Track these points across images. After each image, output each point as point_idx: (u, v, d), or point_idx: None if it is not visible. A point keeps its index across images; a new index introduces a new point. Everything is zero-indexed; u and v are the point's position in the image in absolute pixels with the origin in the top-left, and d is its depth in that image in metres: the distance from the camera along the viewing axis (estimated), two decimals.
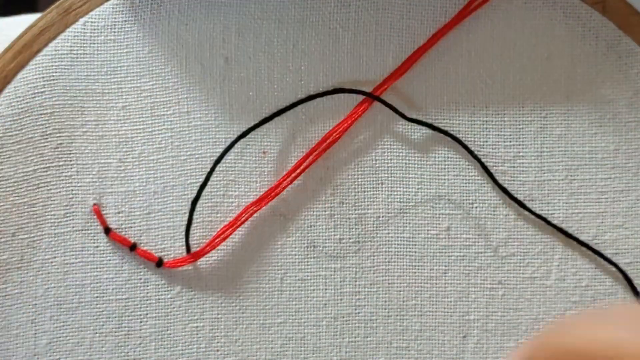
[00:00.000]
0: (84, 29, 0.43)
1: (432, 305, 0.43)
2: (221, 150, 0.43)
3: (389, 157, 0.44)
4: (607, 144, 0.44)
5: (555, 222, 0.44)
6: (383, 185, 0.44)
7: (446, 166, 0.44)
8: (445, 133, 0.43)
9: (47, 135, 0.43)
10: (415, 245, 0.43)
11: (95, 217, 0.43)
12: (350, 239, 0.43)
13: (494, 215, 0.44)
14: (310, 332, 0.43)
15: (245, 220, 0.43)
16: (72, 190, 0.43)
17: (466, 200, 0.44)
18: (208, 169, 0.43)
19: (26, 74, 0.43)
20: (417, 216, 0.44)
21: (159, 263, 0.42)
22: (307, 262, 0.43)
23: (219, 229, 0.43)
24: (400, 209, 0.44)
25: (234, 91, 0.43)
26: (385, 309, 0.43)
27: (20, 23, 0.44)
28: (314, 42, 0.44)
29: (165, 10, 0.43)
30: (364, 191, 0.44)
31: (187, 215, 0.43)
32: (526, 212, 0.44)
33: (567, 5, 0.44)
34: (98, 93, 0.43)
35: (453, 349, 0.43)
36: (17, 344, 0.43)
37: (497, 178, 0.44)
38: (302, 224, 0.43)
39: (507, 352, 0.44)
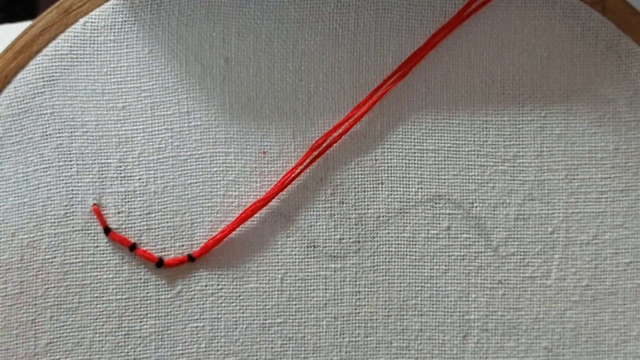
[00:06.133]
0: (84, 29, 0.43)
1: (432, 305, 0.43)
2: (221, 150, 0.43)
3: (389, 157, 0.44)
4: (607, 144, 0.44)
5: (555, 221, 0.44)
6: (383, 185, 0.44)
7: (446, 166, 0.44)
8: None
9: (47, 135, 0.43)
10: (415, 245, 0.43)
11: (95, 217, 0.43)
12: (350, 238, 0.43)
13: (493, 214, 0.44)
14: (311, 332, 0.43)
15: (245, 220, 0.43)
16: (72, 190, 0.43)
17: (466, 199, 0.44)
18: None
19: (26, 74, 0.43)
20: (417, 216, 0.44)
21: (159, 263, 0.42)
22: (307, 262, 0.43)
23: (219, 229, 0.43)
24: (401, 209, 0.44)
25: (234, 91, 0.43)
26: (385, 308, 0.43)
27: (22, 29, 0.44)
28: (314, 42, 0.44)
29: (165, 10, 0.43)
30: (364, 191, 0.44)
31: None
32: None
33: (566, 5, 0.44)
34: (98, 93, 0.43)
35: (453, 349, 0.43)
36: (17, 344, 0.43)
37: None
38: (302, 223, 0.43)
39: (508, 351, 0.44)
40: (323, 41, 0.44)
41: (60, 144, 0.43)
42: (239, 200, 0.43)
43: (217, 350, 0.43)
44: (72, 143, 0.43)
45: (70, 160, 0.43)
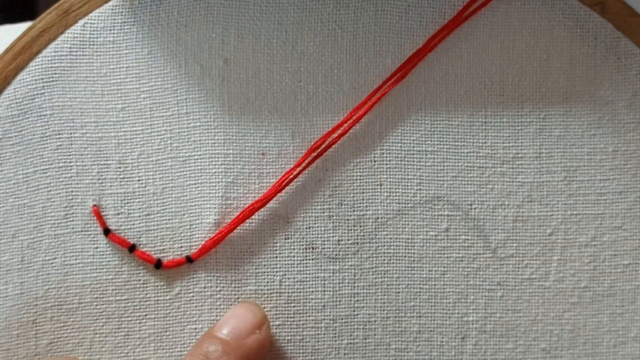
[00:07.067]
0: (84, 30, 0.43)
1: (431, 306, 0.43)
2: (220, 151, 0.43)
3: (387, 158, 0.44)
4: (606, 145, 0.44)
5: (553, 223, 0.44)
6: (382, 187, 0.44)
7: (445, 167, 0.44)
8: None
9: (46, 136, 0.43)
10: (414, 246, 0.44)
11: (94, 218, 0.43)
12: (349, 240, 0.43)
13: (492, 216, 0.44)
14: (309, 334, 0.43)
15: (243, 221, 0.43)
16: (72, 191, 0.43)
17: (465, 201, 0.44)
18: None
19: (26, 75, 0.43)
20: (416, 217, 0.44)
21: (158, 264, 0.43)
22: (306, 263, 0.43)
23: (217, 231, 0.43)
24: (399, 210, 0.44)
25: (233, 92, 0.43)
26: (383, 310, 0.43)
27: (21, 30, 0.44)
28: (313, 44, 0.44)
29: (164, 11, 0.43)
30: (363, 192, 0.44)
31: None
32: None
33: (566, 7, 0.44)
34: (97, 94, 0.43)
35: (451, 350, 0.43)
36: (18, 344, 0.43)
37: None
38: (301, 225, 0.43)
39: (506, 353, 0.44)
40: (322, 42, 0.44)
41: (60, 145, 0.43)
42: (238, 202, 0.43)
43: None
44: (71, 144, 0.43)
45: (70, 162, 0.43)
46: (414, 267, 0.43)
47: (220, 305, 0.43)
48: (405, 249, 0.43)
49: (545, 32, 0.44)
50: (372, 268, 0.43)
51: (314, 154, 0.43)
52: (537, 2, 0.43)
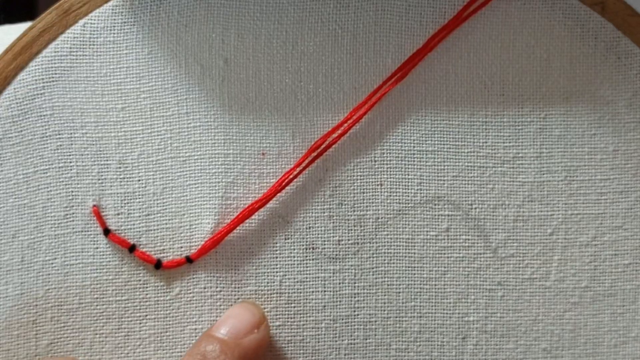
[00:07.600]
0: (84, 30, 0.43)
1: (431, 306, 0.43)
2: (220, 151, 0.43)
3: (388, 158, 0.44)
4: (606, 145, 0.44)
5: (554, 223, 0.44)
6: (382, 187, 0.44)
7: (445, 167, 0.44)
8: None
9: (46, 137, 0.43)
10: (414, 246, 0.43)
11: (94, 218, 0.43)
12: (349, 240, 0.43)
13: (493, 216, 0.44)
14: (309, 335, 0.43)
15: (243, 221, 0.43)
16: (72, 191, 0.43)
17: (465, 201, 0.44)
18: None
19: (26, 75, 0.43)
20: (417, 217, 0.44)
21: (158, 264, 0.43)
22: (306, 263, 0.43)
23: (217, 231, 0.43)
24: (400, 210, 0.44)
25: (233, 92, 0.43)
26: (384, 310, 0.43)
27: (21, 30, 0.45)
28: (313, 43, 0.44)
29: (164, 11, 0.43)
30: (363, 192, 0.44)
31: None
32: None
33: (566, 6, 0.43)
34: (97, 94, 0.43)
35: (452, 351, 0.43)
36: (18, 344, 0.43)
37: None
38: (301, 225, 0.43)
39: (507, 353, 0.44)
40: (322, 42, 0.44)
41: (60, 145, 0.43)
42: (238, 202, 0.43)
43: None
44: (71, 144, 0.43)
45: (70, 162, 0.43)
46: (414, 267, 0.43)
47: (220, 305, 0.43)
48: (406, 249, 0.43)
49: (545, 31, 0.44)
50: (373, 268, 0.43)
51: (314, 153, 0.43)
52: (537, 2, 0.43)
